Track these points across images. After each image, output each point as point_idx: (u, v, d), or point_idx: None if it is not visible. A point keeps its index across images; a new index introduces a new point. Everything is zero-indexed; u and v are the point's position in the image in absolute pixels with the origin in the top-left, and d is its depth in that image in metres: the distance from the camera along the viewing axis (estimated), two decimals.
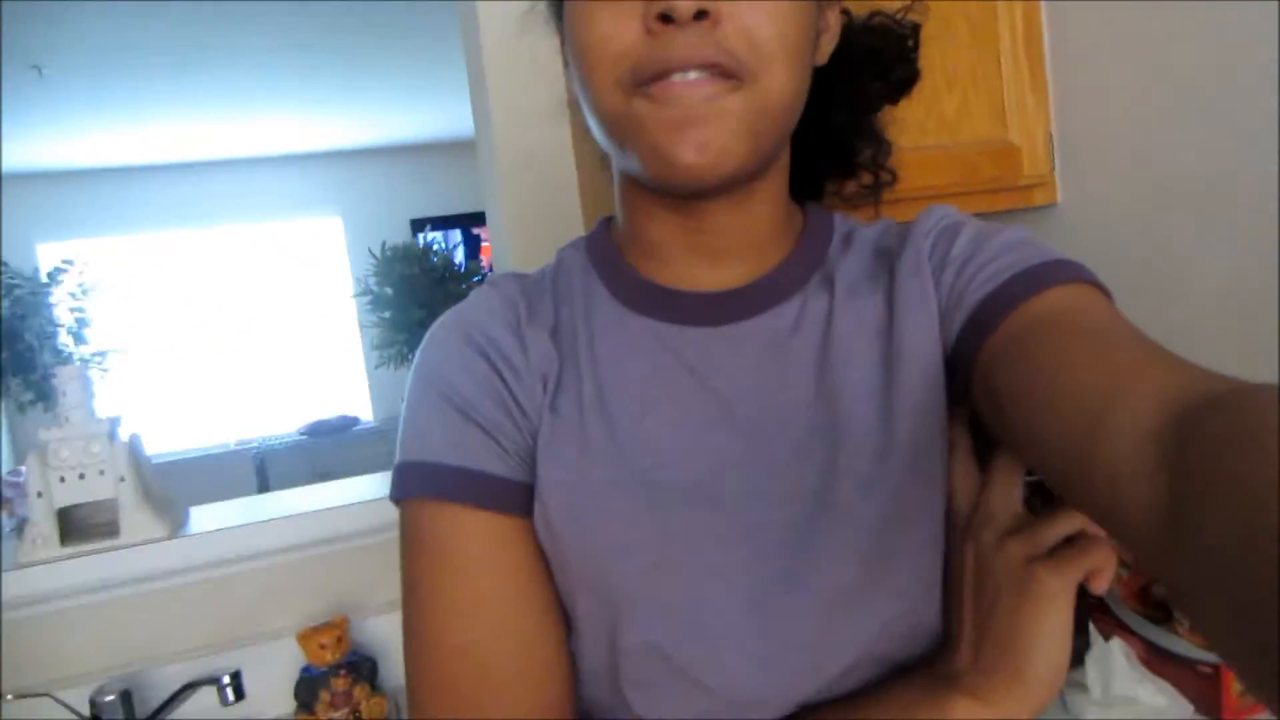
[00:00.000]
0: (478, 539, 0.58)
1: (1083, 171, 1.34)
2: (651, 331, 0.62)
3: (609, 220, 0.70)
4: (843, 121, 0.70)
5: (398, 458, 0.61)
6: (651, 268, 0.64)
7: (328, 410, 5.86)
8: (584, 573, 0.58)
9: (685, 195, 0.58)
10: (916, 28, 0.70)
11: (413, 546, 0.59)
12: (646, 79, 0.51)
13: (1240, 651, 0.28)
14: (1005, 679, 0.52)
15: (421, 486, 0.58)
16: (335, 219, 6.17)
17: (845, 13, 0.64)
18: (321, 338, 6.18)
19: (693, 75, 0.51)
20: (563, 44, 0.62)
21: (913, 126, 1.27)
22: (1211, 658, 1.02)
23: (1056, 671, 0.53)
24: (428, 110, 5.25)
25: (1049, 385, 0.46)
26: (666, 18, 0.50)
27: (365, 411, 6.04)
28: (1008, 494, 0.56)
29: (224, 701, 1.05)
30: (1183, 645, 1.05)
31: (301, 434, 5.66)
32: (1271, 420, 0.31)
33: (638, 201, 0.63)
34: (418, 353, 0.63)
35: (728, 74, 0.51)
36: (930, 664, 0.58)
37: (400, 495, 0.60)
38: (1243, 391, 0.35)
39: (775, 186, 0.63)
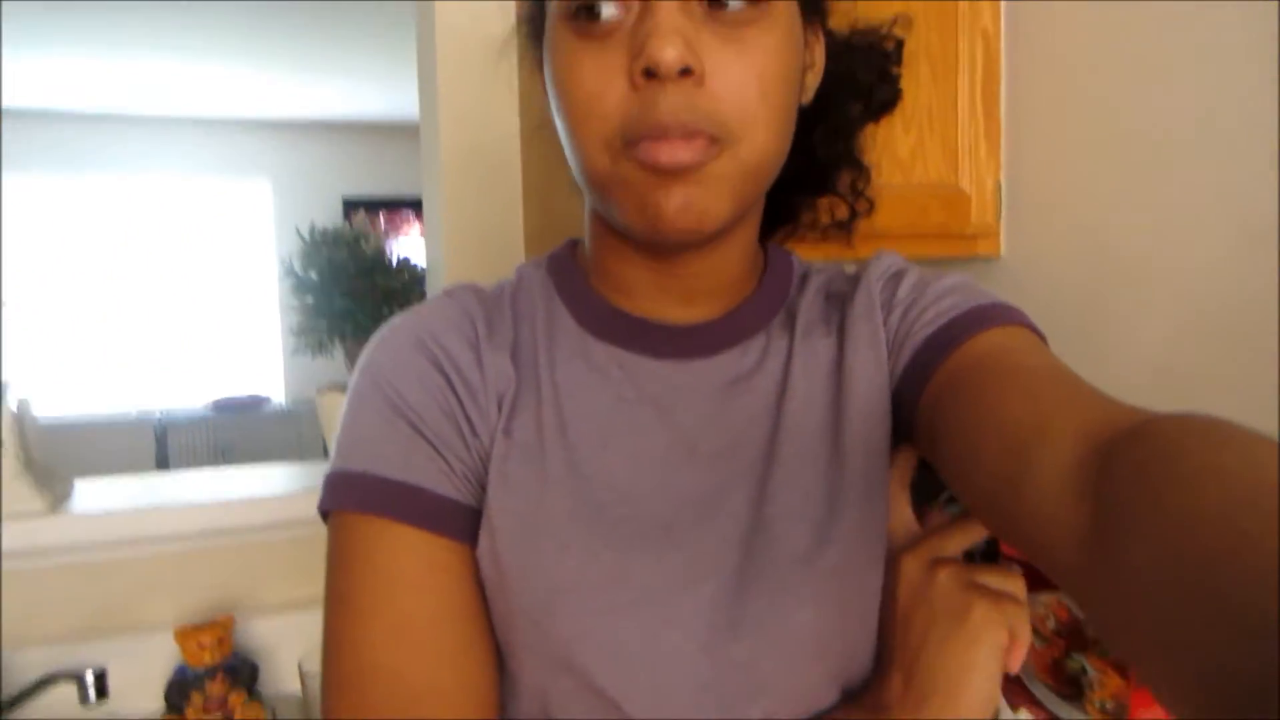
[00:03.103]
0: (419, 561, 0.54)
1: (1028, 226, 1.35)
2: (616, 361, 0.60)
3: (575, 243, 0.68)
4: (825, 154, 0.69)
5: (333, 464, 0.56)
6: (619, 299, 0.62)
7: (238, 387, 5.67)
8: (528, 606, 0.54)
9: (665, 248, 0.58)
10: (900, 44, 0.69)
11: (346, 562, 0.55)
12: (633, 140, 0.50)
13: (1160, 672, 0.29)
14: (937, 709, 0.52)
15: (360, 500, 0.54)
16: (264, 183, 5.94)
17: (828, 33, 0.62)
18: (239, 310, 5.94)
19: (678, 140, 0.50)
20: (541, 72, 0.60)
21: None
22: None
23: (986, 703, 0.53)
24: (374, 88, 5.13)
25: (979, 422, 0.48)
26: (651, 73, 0.49)
27: (277, 392, 5.85)
28: (900, 512, 0.58)
29: (84, 699, 0.96)
30: None
31: (208, 409, 5.47)
32: (1184, 445, 0.33)
33: (609, 241, 0.61)
34: (364, 353, 0.59)
35: (712, 139, 0.50)
36: (861, 692, 0.57)
37: (334, 506, 0.56)
38: (1158, 419, 0.37)
39: (749, 231, 0.62)
